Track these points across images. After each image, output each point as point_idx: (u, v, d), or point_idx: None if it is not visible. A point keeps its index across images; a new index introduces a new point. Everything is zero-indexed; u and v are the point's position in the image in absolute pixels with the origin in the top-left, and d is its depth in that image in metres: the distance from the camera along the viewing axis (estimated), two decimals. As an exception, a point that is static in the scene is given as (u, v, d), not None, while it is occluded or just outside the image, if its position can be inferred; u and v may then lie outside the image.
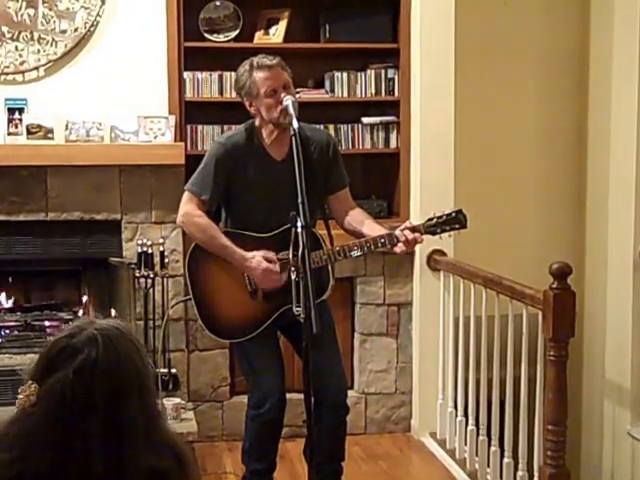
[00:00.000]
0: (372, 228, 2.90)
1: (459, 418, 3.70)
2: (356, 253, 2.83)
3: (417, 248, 3.81)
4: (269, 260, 2.82)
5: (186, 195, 2.94)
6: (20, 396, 1.23)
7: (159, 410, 1.32)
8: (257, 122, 2.93)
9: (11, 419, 1.24)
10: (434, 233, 2.84)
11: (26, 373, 1.26)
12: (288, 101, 2.77)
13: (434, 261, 3.87)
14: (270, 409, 2.88)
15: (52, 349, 1.25)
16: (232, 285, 2.89)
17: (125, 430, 1.22)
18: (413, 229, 2.79)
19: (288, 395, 2.98)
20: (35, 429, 1.20)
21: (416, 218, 3.87)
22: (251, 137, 2.91)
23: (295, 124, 2.69)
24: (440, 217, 2.82)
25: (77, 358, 1.21)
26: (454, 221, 2.82)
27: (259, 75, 2.83)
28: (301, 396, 2.58)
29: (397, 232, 2.79)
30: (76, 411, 1.20)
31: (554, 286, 2.81)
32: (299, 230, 2.50)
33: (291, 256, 2.56)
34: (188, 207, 2.91)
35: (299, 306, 2.49)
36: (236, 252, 2.83)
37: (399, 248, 2.79)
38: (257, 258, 2.81)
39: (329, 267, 2.88)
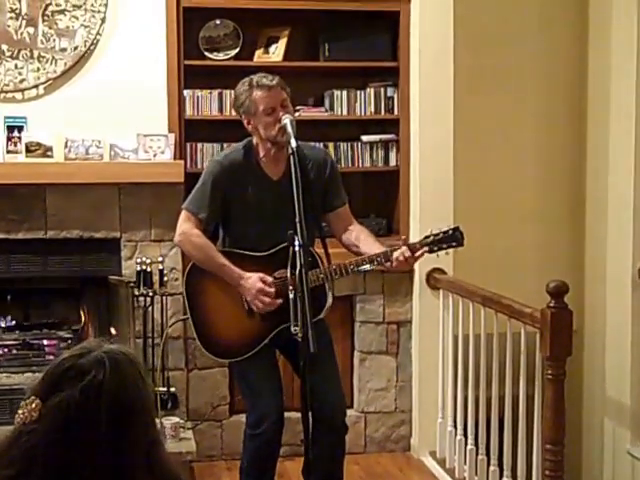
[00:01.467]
0: (371, 246, 2.89)
1: (459, 437, 3.68)
2: (355, 270, 2.82)
3: (416, 266, 3.83)
4: (265, 282, 2.82)
5: (183, 214, 2.93)
6: (21, 411, 1.23)
7: (160, 437, 1.33)
8: (254, 140, 2.93)
9: (10, 435, 1.23)
10: (431, 251, 2.83)
11: (29, 388, 1.26)
12: (286, 120, 2.77)
13: (433, 279, 3.86)
14: (268, 429, 2.86)
15: (58, 367, 1.25)
16: (229, 304, 2.88)
17: (127, 454, 1.22)
18: (409, 246, 2.79)
19: (287, 414, 2.96)
20: (37, 446, 1.20)
21: (415, 236, 3.86)
22: (248, 156, 2.91)
23: (293, 143, 2.69)
24: (437, 234, 2.82)
25: (84, 379, 1.22)
26: (451, 239, 2.82)
27: (258, 94, 2.83)
28: (299, 414, 2.57)
29: (395, 253, 2.78)
30: (80, 431, 1.20)
31: (551, 305, 2.80)
32: (297, 249, 2.50)
33: (289, 275, 2.55)
34: (185, 226, 2.90)
35: (297, 325, 2.48)
36: (234, 271, 2.83)
37: (395, 265, 2.78)
38: (253, 279, 2.81)
39: (326, 286, 2.87)
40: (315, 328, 2.44)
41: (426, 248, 2.80)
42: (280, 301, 2.79)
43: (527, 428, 3.17)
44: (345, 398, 3.00)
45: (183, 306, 3.67)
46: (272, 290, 2.81)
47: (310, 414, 2.79)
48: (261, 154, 2.91)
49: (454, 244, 2.82)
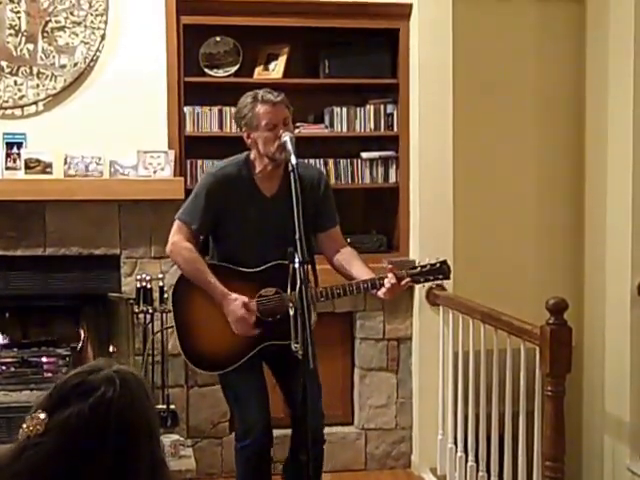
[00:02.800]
0: (360, 271, 2.90)
1: (459, 454, 3.67)
2: (339, 295, 2.84)
3: (417, 283, 3.84)
4: (247, 309, 2.81)
5: (176, 224, 2.94)
6: (26, 424, 1.22)
7: (164, 458, 1.33)
8: (252, 155, 2.93)
9: (14, 448, 1.22)
10: (417, 282, 2.90)
11: (36, 402, 1.25)
12: (286, 137, 2.78)
13: (433, 296, 3.86)
14: (255, 440, 2.88)
15: (67, 383, 1.25)
16: (214, 318, 2.86)
17: (131, 471, 1.22)
18: (397, 277, 2.79)
19: (283, 431, 2.97)
20: (42, 460, 1.19)
21: (415, 253, 3.89)
22: (243, 170, 2.91)
23: (293, 160, 2.69)
24: (424, 266, 2.87)
25: (93, 395, 1.21)
26: (438, 271, 2.86)
27: (262, 108, 2.83)
28: (287, 431, 2.58)
29: (384, 279, 2.79)
30: (86, 446, 1.20)
31: (551, 321, 2.81)
32: (297, 266, 2.52)
33: (289, 291, 2.59)
34: (177, 237, 2.92)
35: (297, 343, 2.51)
36: (217, 288, 2.83)
37: (381, 293, 2.81)
38: (236, 304, 2.81)
39: (311, 305, 2.84)
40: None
41: (409, 279, 2.83)
42: (257, 331, 2.82)
43: (527, 445, 3.16)
44: (323, 412, 3.00)
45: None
46: (253, 319, 2.82)
47: (291, 425, 2.91)
48: (257, 169, 2.91)
49: (440, 277, 2.88)
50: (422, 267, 2.86)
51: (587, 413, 4.11)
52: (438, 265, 2.85)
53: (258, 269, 2.85)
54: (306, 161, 3.15)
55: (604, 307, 3.99)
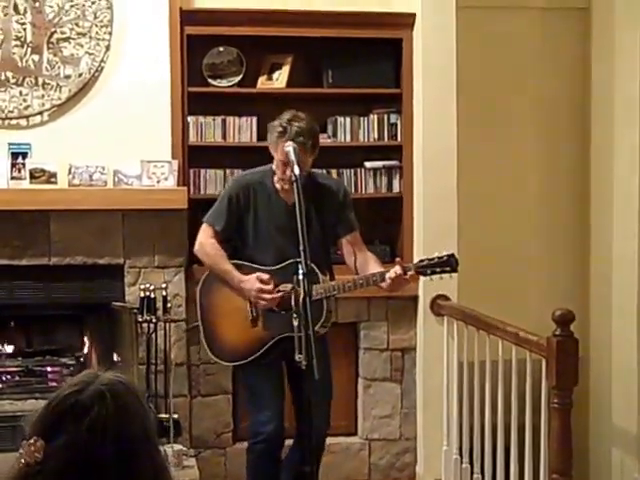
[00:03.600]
0: (375, 269, 3.01)
1: (464, 465, 3.64)
2: (350, 287, 2.95)
3: (421, 293, 3.86)
4: (262, 280, 2.97)
5: (203, 226, 3.15)
6: (23, 451, 1.20)
7: (165, 463, 1.32)
8: (274, 166, 3.04)
9: (14, 476, 1.21)
10: (424, 274, 2.91)
11: (29, 427, 1.23)
12: (289, 147, 2.81)
13: (438, 306, 3.84)
14: (268, 437, 2.98)
15: (59, 405, 1.23)
16: (236, 311, 3.05)
17: None
18: (403, 268, 2.86)
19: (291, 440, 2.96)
20: None
21: (419, 262, 3.87)
22: (266, 179, 3.06)
23: (296, 170, 2.73)
24: (431, 259, 2.88)
25: (87, 416, 1.20)
26: (445, 264, 2.87)
27: (286, 145, 2.87)
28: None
29: (389, 272, 2.88)
30: (88, 468, 1.19)
31: (557, 333, 2.79)
32: (300, 277, 2.60)
33: (293, 300, 2.71)
34: (202, 236, 3.14)
35: (301, 353, 2.58)
36: (234, 276, 3.03)
37: (385, 284, 2.89)
38: (251, 280, 2.99)
39: (324, 302, 2.96)
40: (314, 344, 2.53)
41: (410, 271, 2.87)
42: (281, 294, 2.96)
43: (534, 457, 3.13)
44: (329, 421, 3.10)
45: (187, 333, 3.70)
46: (270, 286, 2.97)
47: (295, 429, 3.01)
48: (276, 180, 3.03)
49: (447, 269, 2.88)
50: (429, 260, 2.88)
51: (594, 425, 4.07)
52: (445, 258, 2.87)
53: (276, 267, 3.00)
54: (323, 171, 3.28)
55: (610, 317, 3.96)
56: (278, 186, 2.99)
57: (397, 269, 2.85)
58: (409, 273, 2.85)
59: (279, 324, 2.94)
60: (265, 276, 2.99)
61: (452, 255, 2.88)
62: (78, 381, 1.27)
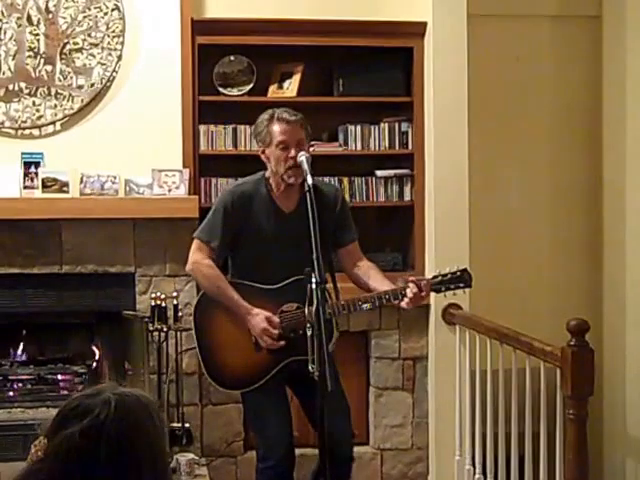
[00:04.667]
0: (380, 282, 2.91)
1: (477, 475, 3.62)
2: (363, 308, 2.84)
3: (432, 301, 3.83)
4: (271, 323, 2.83)
5: (195, 243, 2.98)
6: (31, 451, 1.23)
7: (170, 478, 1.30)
8: (267, 173, 2.97)
9: (21, 474, 1.23)
10: (438, 291, 2.87)
11: (41, 428, 1.26)
12: (302, 157, 2.80)
13: (450, 315, 3.83)
14: (278, 462, 2.87)
15: (66, 407, 1.25)
16: (237, 335, 2.89)
17: None
18: (418, 286, 2.79)
19: (301, 450, 2.95)
20: None
21: (431, 271, 3.84)
22: (260, 187, 2.95)
23: (309, 180, 2.71)
24: (445, 275, 2.84)
25: (86, 418, 1.21)
26: (459, 280, 2.84)
27: (276, 126, 2.87)
28: (314, 451, 2.56)
29: (404, 287, 2.80)
30: (80, 469, 1.19)
31: (572, 343, 2.77)
32: (313, 286, 2.51)
33: (307, 309, 2.56)
34: (197, 256, 2.95)
35: (313, 363, 2.50)
36: (241, 305, 2.86)
37: (404, 303, 2.81)
38: (259, 318, 2.84)
39: (333, 320, 2.87)
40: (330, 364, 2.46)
41: (430, 289, 2.82)
42: (282, 343, 2.83)
43: (549, 467, 3.11)
44: (352, 431, 3.00)
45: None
46: (276, 332, 2.83)
47: (319, 446, 2.82)
48: (273, 186, 2.94)
49: (461, 285, 2.84)
50: (443, 276, 2.83)
51: (608, 435, 4.04)
52: (459, 273, 2.83)
53: (278, 285, 2.87)
54: (321, 179, 3.17)
55: (624, 326, 3.94)
56: (283, 183, 2.87)
57: (413, 288, 2.77)
58: (424, 293, 2.78)
59: (286, 348, 2.84)
60: (275, 319, 2.84)
61: (465, 270, 2.84)
62: (95, 388, 1.29)
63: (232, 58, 3.96)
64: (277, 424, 2.89)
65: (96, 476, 1.19)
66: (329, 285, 2.90)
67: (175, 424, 3.65)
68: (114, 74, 3.75)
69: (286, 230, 2.87)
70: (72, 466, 1.19)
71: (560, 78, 4.25)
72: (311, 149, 3.32)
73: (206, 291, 2.95)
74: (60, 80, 3.71)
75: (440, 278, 2.83)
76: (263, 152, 2.93)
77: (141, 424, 1.24)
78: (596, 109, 4.21)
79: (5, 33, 3.67)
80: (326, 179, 3.77)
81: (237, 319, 2.88)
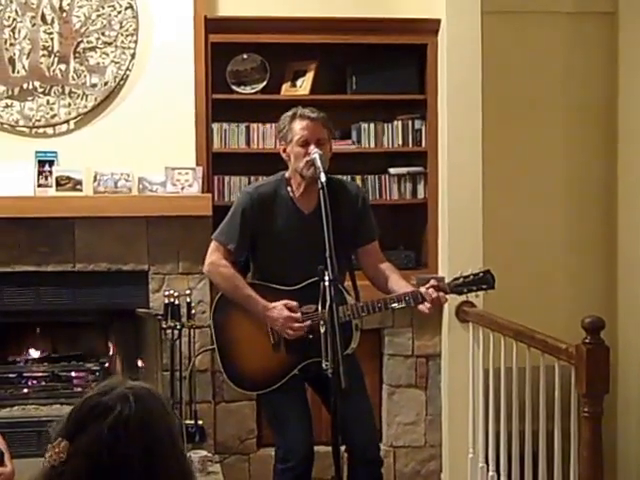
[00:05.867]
0: (399, 284, 2.87)
1: (491, 473, 3.61)
2: (380, 309, 2.80)
3: (446, 299, 3.81)
4: (290, 309, 2.81)
5: (213, 244, 2.95)
6: (48, 454, 1.22)
7: (191, 469, 1.32)
8: (287, 173, 2.94)
9: (40, 476, 1.22)
10: (460, 293, 2.83)
11: (54, 430, 1.25)
12: (315, 154, 2.77)
13: (463, 312, 3.82)
14: (298, 463, 2.85)
15: (83, 407, 1.25)
16: (255, 337, 2.88)
17: None
18: (438, 288, 2.76)
19: (316, 448, 2.93)
20: None
21: (444, 269, 3.85)
22: (280, 188, 2.92)
23: (323, 177, 2.69)
24: (467, 277, 2.80)
25: (110, 415, 1.21)
26: (482, 281, 2.80)
27: (297, 123, 2.85)
28: (329, 449, 2.56)
29: (422, 290, 2.76)
30: (112, 468, 1.19)
31: (587, 341, 2.75)
32: (326, 284, 2.49)
33: (320, 309, 2.55)
34: (214, 257, 2.93)
35: (327, 361, 2.48)
36: (259, 302, 2.84)
37: (425, 307, 2.76)
38: (278, 308, 2.81)
39: (353, 323, 2.85)
40: (345, 363, 2.43)
41: (452, 291, 2.78)
42: (309, 322, 2.79)
43: (562, 465, 3.10)
44: (377, 432, 2.98)
45: (210, 337, 3.68)
46: (299, 315, 2.81)
47: (344, 449, 2.81)
48: (294, 187, 2.91)
49: (484, 287, 2.80)
50: (465, 277, 2.79)
51: (622, 433, 4.02)
52: (481, 275, 2.79)
53: (297, 287, 2.84)
54: (343, 178, 3.15)
55: (639, 324, 3.92)
56: (303, 180, 2.84)
57: (433, 291, 2.72)
58: (446, 294, 2.75)
59: (305, 349, 2.80)
60: (293, 303, 2.81)
61: (488, 271, 2.79)
62: (103, 386, 1.29)
63: (245, 56, 3.96)
64: (298, 425, 2.86)
65: (127, 471, 1.19)
66: (349, 284, 2.91)
67: (188, 421, 3.66)
68: (128, 72, 3.76)
69: (306, 231, 2.84)
70: (103, 464, 1.19)
71: (575, 75, 4.23)
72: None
73: (223, 292, 2.93)
74: (74, 79, 3.73)
75: (462, 280, 2.79)
76: (284, 150, 2.90)
77: (159, 414, 1.26)
78: (611, 105, 4.19)
79: (19, 32, 3.69)
80: (339, 177, 3.76)
81: (255, 319, 2.86)
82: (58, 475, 1.20)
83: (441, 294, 2.75)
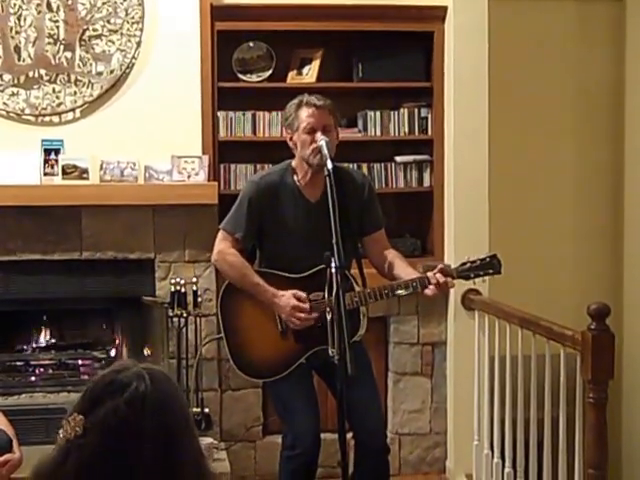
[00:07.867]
0: (405, 272, 2.88)
1: (495, 460, 3.62)
2: (387, 295, 2.81)
3: (451, 287, 3.81)
4: (299, 299, 2.82)
5: (220, 234, 2.97)
6: (63, 428, 1.22)
7: (202, 450, 1.33)
8: (294, 162, 2.94)
9: (57, 452, 1.23)
10: (467, 278, 2.83)
11: (70, 406, 1.26)
12: (322, 141, 2.77)
13: (469, 300, 3.82)
14: (305, 450, 2.86)
15: (98, 384, 1.26)
16: (263, 324, 2.89)
17: (177, 465, 1.22)
18: (445, 273, 2.76)
19: (322, 435, 2.94)
20: (88, 461, 1.19)
21: (450, 257, 3.85)
22: (286, 177, 2.92)
23: (329, 164, 2.69)
24: (474, 262, 2.80)
25: (126, 390, 1.22)
26: (488, 266, 2.81)
27: (304, 111, 2.85)
28: (335, 436, 2.57)
29: (429, 275, 2.77)
30: (129, 442, 1.20)
31: (592, 327, 2.76)
32: (333, 270, 2.50)
33: (326, 296, 2.56)
34: (222, 245, 2.94)
35: (334, 347, 2.49)
36: (267, 290, 2.84)
37: (430, 291, 2.77)
38: (286, 296, 2.82)
39: (360, 310, 2.86)
40: (352, 350, 2.44)
41: (458, 276, 2.78)
42: (316, 314, 2.80)
43: (567, 451, 3.11)
44: (384, 420, 2.99)
45: (217, 326, 3.69)
46: (307, 306, 2.81)
47: (351, 436, 2.82)
48: (300, 175, 2.92)
49: (491, 271, 2.81)
50: (472, 262, 2.80)
51: (627, 419, 4.04)
52: (488, 259, 2.80)
53: (304, 274, 2.85)
54: (349, 166, 3.15)
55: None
56: (310, 167, 2.84)
57: (440, 276, 2.73)
58: (454, 281, 2.76)
59: (313, 336, 2.80)
60: (302, 294, 2.81)
61: (494, 256, 2.80)
62: (118, 364, 1.30)
63: (251, 44, 3.95)
64: (305, 413, 2.87)
65: (143, 447, 1.20)
66: (355, 272, 2.91)
67: (195, 409, 3.68)
68: (133, 60, 3.76)
69: (312, 219, 2.85)
70: (119, 439, 1.20)
71: (582, 61, 4.21)
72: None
73: (231, 280, 2.94)
74: (80, 67, 3.72)
75: (469, 265, 2.80)
76: (291, 139, 2.90)
77: (173, 393, 1.27)
78: (619, 93, 4.18)
79: (25, 20, 3.68)
80: (345, 165, 3.76)
81: (263, 307, 2.86)
82: (76, 449, 1.20)
83: (448, 279, 2.76)
